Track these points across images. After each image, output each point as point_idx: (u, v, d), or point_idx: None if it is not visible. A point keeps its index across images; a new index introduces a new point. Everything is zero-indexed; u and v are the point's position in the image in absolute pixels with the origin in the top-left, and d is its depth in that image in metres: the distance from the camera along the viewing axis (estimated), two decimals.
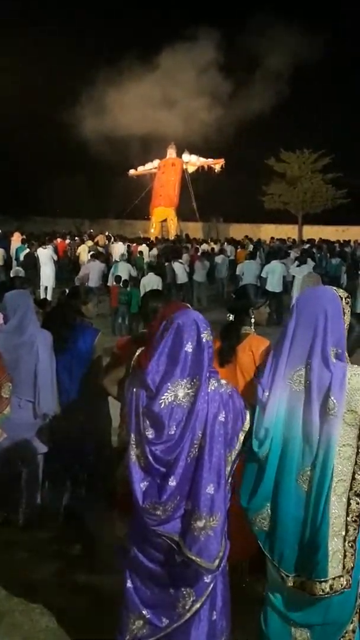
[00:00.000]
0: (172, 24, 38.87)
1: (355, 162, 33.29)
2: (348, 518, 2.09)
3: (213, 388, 2.13)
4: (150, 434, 2.09)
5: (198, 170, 32.92)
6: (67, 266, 18.78)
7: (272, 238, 25.21)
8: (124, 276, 11.80)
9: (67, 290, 4.79)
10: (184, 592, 2.21)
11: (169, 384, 2.08)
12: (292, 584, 2.15)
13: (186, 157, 32.84)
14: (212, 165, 32.53)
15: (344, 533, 2.09)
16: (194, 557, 2.08)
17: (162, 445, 2.07)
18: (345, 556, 2.10)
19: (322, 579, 2.08)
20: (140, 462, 2.11)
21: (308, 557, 2.11)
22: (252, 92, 35.85)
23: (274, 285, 12.16)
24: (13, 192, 32.86)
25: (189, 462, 2.08)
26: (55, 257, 15.13)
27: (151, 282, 10.84)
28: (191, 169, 32.87)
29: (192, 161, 32.82)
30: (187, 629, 2.24)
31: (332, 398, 2.06)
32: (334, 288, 2.26)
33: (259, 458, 2.17)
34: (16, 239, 18.78)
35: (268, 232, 32.16)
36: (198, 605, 2.21)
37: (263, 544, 2.21)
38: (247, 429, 2.23)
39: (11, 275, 7.95)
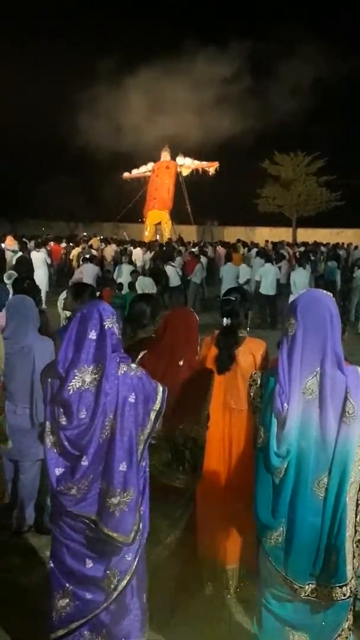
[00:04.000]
0: (170, 31, 39.11)
1: (349, 165, 33.47)
2: (357, 519, 2.11)
3: (123, 372, 2.24)
4: (63, 420, 2.20)
5: (192, 173, 32.95)
6: (62, 270, 18.79)
7: (267, 241, 25.28)
8: (127, 279, 11.87)
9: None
10: (108, 573, 2.29)
11: (75, 370, 2.18)
12: (304, 594, 2.14)
13: (180, 159, 32.86)
14: (207, 168, 32.55)
15: (353, 534, 2.10)
16: (110, 533, 2.19)
17: (74, 430, 2.18)
18: (354, 557, 2.11)
19: (343, 583, 2.09)
20: (57, 448, 2.21)
21: (326, 564, 2.11)
22: (248, 96, 36.03)
23: (267, 288, 12.20)
24: (6, 194, 32.80)
25: (102, 442, 2.19)
26: (49, 261, 15.11)
27: (145, 283, 10.91)
28: (185, 172, 32.87)
29: (187, 164, 32.83)
30: (120, 606, 2.33)
31: (351, 400, 2.04)
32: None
33: (277, 474, 2.14)
34: (9, 242, 18.71)
35: (262, 234, 32.30)
36: (124, 582, 2.31)
37: (275, 560, 2.17)
38: (157, 409, 2.34)
39: (4, 278, 7.92)
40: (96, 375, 2.20)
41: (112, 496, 2.18)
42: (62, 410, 2.20)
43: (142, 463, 2.34)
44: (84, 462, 2.17)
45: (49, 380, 2.27)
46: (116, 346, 2.26)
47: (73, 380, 2.18)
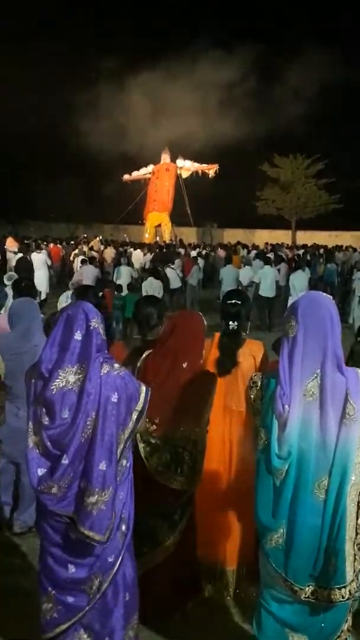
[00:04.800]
0: (171, 34, 39.17)
1: (348, 168, 33.50)
2: (357, 522, 2.11)
3: (106, 372, 2.23)
4: (45, 420, 2.20)
5: (192, 175, 32.98)
6: (61, 271, 18.77)
7: (266, 243, 25.31)
8: (126, 280, 11.85)
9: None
10: (91, 576, 2.28)
11: (59, 370, 2.19)
12: (305, 595, 2.14)
13: (180, 162, 32.89)
14: (206, 170, 32.60)
15: (354, 537, 2.10)
16: (86, 532, 2.18)
17: (56, 429, 2.18)
18: (355, 559, 2.11)
19: (342, 585, 2.09)
20: (39, 448, 2.22)
21: (325, 565, 2.10)
22: (248, 99, 36.10)
23: (266, 290, 12.23)
24: (7, 196, 32.81)
25: (83, 442, 2.19)
26: (49, 262, 15.11)
27: (152, 286, 10.93)
28: (185, 174, 32.92)
29: (186, 166, 32.88)
30: (103, 609, 2.33)
31: (351, 402, 2.05)
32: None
33: (278, 475, 2.14)
34: (10, 244, 18.69)
35: (262, 237, 32.30)
36: (106, 584, 2.30)
37: (275, 562, 2.16)
38: (140, 409, 2.33)
39: (5, 280, 7.94)
40: (80, 376, 2.20)
41: (91, 495, 2.17)
42: (44, 410, 2.20)
43: (125, 463, 2.34)
44: (64, 461, 2.17)
45: (33, 380, 2.27)
46: (101, 346, 2.26)
47: (57, 380, 2.18)
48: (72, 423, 2.17)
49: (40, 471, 2.20)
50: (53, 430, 2.18)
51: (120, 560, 2.35)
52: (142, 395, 2.35)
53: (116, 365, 2.31)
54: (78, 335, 2.21)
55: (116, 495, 2.27)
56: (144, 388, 2.37)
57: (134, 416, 2.32)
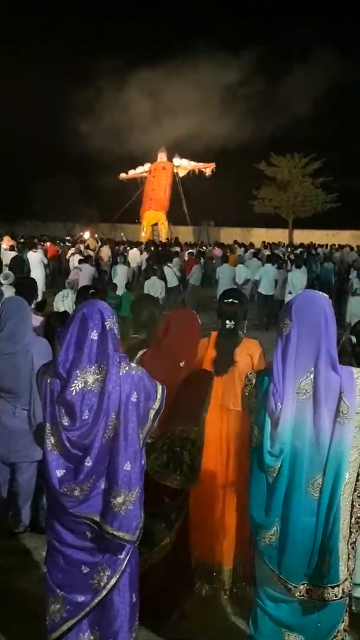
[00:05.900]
0: (167, 34, 39.18)
1: (345, 167, 33.55)
2: (352, 520, 2.11)
3: (124, 371, 2.24)
4: (65, 421, 2.18)
5: (189, 174, 32.96)
6: (57, 270, 18.73)
7: (263, 242, 25.29)
8: (122, 279, 11.84)
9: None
10: (99, 568, 2.27)
11: (77, 371, 2.17)
12: (299, 594, 2.14)
13: (177, 161, 32.87)
14: (203, 169, 32.58)
15: (348, 535, 2.11)
16: (115, 532, 2.17)
17: (77, 431, 2.17)
18: (348, 559, 2.12)
19: (335, 584, 2.09)
20: (57, 449, 2.20)
21: (319, 564, 2.10)
22: (244, 98, 36.10)
23: (266, 288, 12.23)
24: (3, 195, 32.71)
25: (104, 442, 2.19)
26: (46, 261, 15.08)
27: (155, 285, 10.91)
28: (182, 173, 32.90)
29: (183, 165, 32.86)
30: (109, 605, 2.32)
31: (345, 400, 2.04)
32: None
33: (271, 473, 2.14)
34: (6, 243, 18.63)
35: (259, 236, 32.28)
36: (114, 580, 2.28)
37: (269, 559, 2.16)
38: (157, 407, 2.35)
39: (1, 279, 7.91)
40: (99, 376, 2.18)
41: (117, 495, 2.17)
42: (64, 411, 2.18)
43: (142, 462, 2.35)
44: (88, 463, 2.15)
45: (47, 380, 2.24)
46: (117, 346, 2.25)
47: (76, 381, 2.16)
48: (93, 424, 2.16)
49: (60, 472, 2.18)
50: (74, 431, 2.17)
51: (129, 557, 2.34)
52: (159, 394, 2.37)
53: (133, 365, 2.32)
54: (94, 335, 2.19)
55: (142, 492, 2.28)
56: (160, 387, 2.39)
57: (151, 415, 2.34)
